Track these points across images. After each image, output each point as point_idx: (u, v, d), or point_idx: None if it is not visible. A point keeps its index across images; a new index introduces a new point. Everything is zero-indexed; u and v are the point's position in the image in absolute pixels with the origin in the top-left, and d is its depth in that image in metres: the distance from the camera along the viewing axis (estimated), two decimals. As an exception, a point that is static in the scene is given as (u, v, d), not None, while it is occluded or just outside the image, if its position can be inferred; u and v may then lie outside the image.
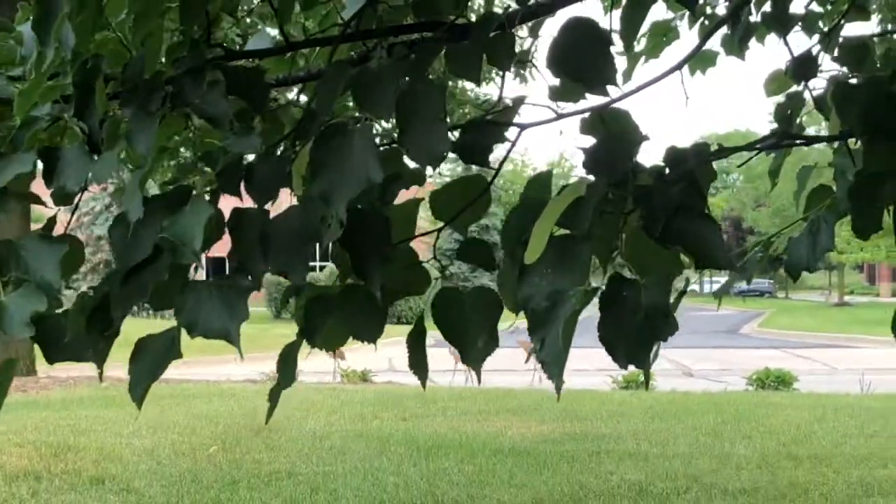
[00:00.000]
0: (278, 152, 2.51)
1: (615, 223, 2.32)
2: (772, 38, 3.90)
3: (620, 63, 4.93)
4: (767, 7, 3.63)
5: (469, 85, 10.09)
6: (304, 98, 3.72)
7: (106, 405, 12.91)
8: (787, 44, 3.18)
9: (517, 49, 2.98)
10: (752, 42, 4.15)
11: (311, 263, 2.57)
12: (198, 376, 17.81)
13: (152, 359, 2.40)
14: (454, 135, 2.62)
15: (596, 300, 2.20)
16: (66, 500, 7.67)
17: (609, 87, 2.43)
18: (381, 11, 2.80)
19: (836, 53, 3.32)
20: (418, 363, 2.64)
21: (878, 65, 3.61)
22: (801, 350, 31.18)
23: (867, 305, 55.29)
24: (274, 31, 3.72)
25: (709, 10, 4.71)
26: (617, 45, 4.13)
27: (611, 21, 3.09)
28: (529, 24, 3.82)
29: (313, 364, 18.40)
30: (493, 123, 2.76)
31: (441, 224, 2.69)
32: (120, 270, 2.38)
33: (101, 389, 14.57)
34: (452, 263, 2.95)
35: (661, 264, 2.35)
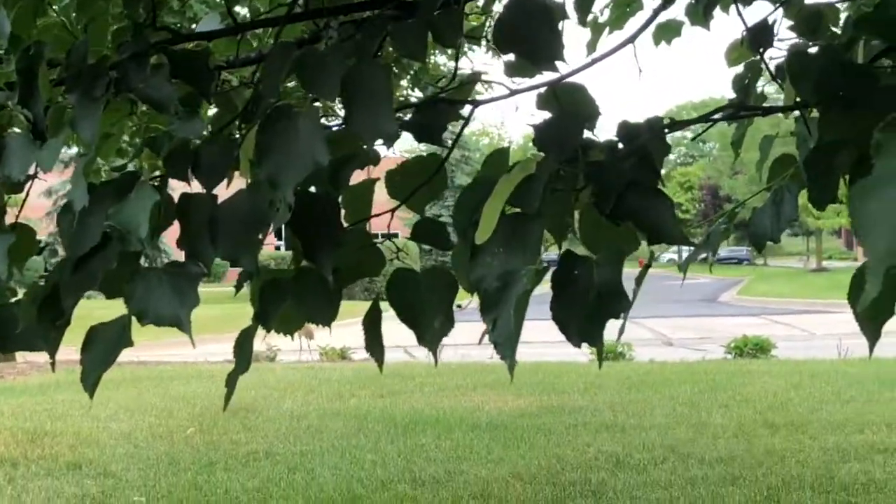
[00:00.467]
0: (228, 136, 2.48)
1: (567, 200, 2.30)
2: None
3: (584, 35, 4.91)
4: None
5: (443, 59, 10.02)
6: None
7: (83, 390, 12.84)
8: (740, 14, 3.15)
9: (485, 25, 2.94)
10: (718, 11, 4.12)
11: (279, 244, 2.55)
12: (175, 357, 17.78)
13: (104, 347, 2.37)
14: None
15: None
16: (42, 485, 7.65)
17: (559, 63, 2.40)
18: (330, -10, 2.76)
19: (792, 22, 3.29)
20: (375, 345, 2.61)
21: (841, 32, 3.59)
22: (779, 316, 31.29)
23: (845, 270, 55.34)
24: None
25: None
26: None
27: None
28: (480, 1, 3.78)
29: (294, 343, 18.43)
30: (446, 101, 2.73)
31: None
32: (69, 259, 2.35)
33: (77, 374, 14.49)
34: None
35: (614, 241, 2.33)
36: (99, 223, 2.30)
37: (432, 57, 10.03)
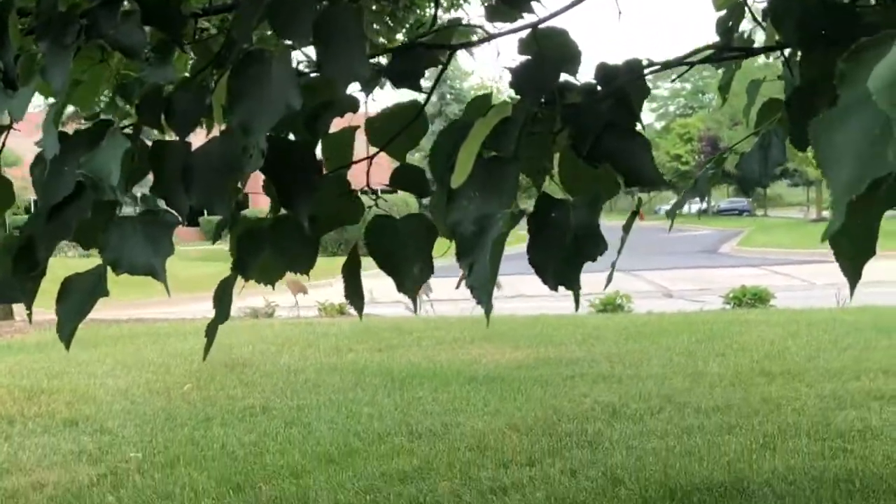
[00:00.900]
0: (201, 83, 2.45)
1: (544, 144, 2.28)
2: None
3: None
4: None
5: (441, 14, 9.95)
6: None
7: (80, 346, 12.87)
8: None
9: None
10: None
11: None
12: (173, 315, 17.78)
13: (79, 298, 2.35)
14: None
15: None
16: (39, 442, 7.66)
17: (536, 5, 2.37)
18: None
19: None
20: (354, 293, 2.60)
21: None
22: (779, 267, 31.28)
23: (845, 220, 55.27)
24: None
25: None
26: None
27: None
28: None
29: (291, 299, 18.42)
30: (424, 46, 2.70)
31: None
32: (43, 208, 2.33)
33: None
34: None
35: (594, 185, 2.30)
36: (71, 172, 2.28)
37: (428, 9, 9.96)
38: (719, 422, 7.54)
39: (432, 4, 9.71)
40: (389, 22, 9.90)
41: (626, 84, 2.29)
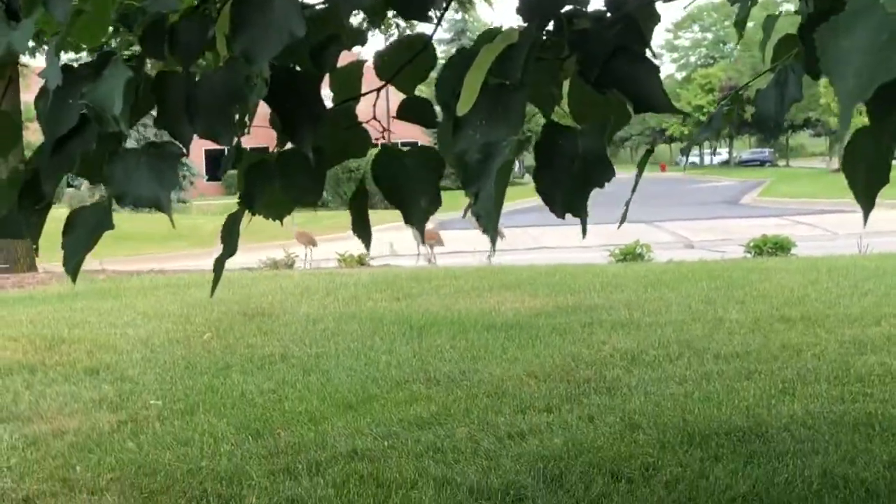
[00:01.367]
0: (204, 12, 2.42)
1: (552, 70, 2.24)
2: None
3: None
4: None
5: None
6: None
7: (102, 297, 12.95)
8: None
9: None
10: None
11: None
12: (195, 267, 17.83)
13: (84, 231, 2.34)
14: None
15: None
16: (60, 390, 7.69)
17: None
18: None
19: None
20: (361, 227, 2.58)
21: None
22: (802, 217, 31.16)
23: (868, 170, 54.99)
24: None
25: None
26: None
27: None
28: None
29: (311, 253, 18.45)
30: (432, -24, 2.66)
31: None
32: (47, 141, 2.32)
33: (97, 282, 14.61)
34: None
35: (603, 113, 2.27)
36: (75, 104, 2.26)
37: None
38: (738, 368, 7.51)
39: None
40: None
41: (635, 10, 2.25)
